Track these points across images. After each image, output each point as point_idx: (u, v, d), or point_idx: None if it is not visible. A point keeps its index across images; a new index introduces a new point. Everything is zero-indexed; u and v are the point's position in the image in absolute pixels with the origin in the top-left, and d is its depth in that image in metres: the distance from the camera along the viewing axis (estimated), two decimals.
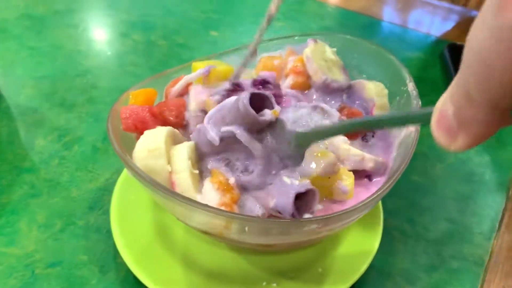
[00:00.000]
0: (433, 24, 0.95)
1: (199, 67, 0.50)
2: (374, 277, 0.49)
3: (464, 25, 0.95)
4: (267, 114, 0.39)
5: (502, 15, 0.17)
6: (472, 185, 0.60)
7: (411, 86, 0.46)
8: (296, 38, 0.55)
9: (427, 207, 0.56)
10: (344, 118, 0.46)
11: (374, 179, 0.44)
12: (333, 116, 0.43)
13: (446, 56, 0.79)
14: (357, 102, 0.49)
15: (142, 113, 0.43)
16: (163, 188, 0.37)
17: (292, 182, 0.38)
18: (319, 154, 0.39)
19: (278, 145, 0.39)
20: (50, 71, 0.75)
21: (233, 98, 0.41)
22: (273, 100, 0.40)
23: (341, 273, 0.46)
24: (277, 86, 0.48)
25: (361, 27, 0.91)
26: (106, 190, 0.56)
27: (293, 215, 0.37)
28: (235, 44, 0.84)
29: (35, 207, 0.54)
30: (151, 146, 0.40)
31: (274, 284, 0.46)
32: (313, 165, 0.39)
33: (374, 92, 0.48)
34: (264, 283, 0.46)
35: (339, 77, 0.50)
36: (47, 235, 0.51)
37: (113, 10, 0.93)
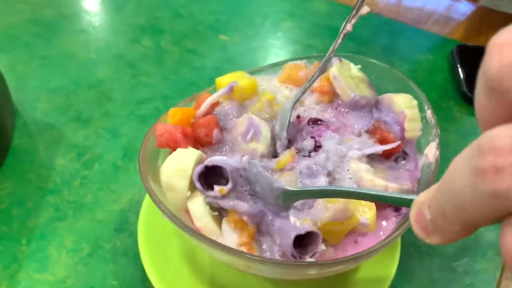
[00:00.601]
0: (440, 21, 0.95)
1: (223, 83, 0.51)
2: None
3: (472, 21, 0.96)
4: (215, 192, 0.41)
5: (481, 181, 0.18)
6: None
7: (429, 113, 0.47)
8: (313, 59, 0.56)
9: None
10: (376, 141, 0.47)
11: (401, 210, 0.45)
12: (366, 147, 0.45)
13: (455, 59, 0.79)
14: (391, 115, 0.49)
15: (175, 132, 0.45)
16: (194, 233, 0.39)
17: (294, 222, 0.40)
18: (330, 200, 0.41)
19: (263, 193, 0.40)
20: (63, 82, 0.76)
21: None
22: (228, 174, 0.41)
23: None
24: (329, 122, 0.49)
25: (369, 26, 0.91)
26: (130, 211, 0.58)
27: (293, 256, 0.39)
28: (246, 49, 0.85)
29: (62, 231, 0.56)
30: (181, 166, 0.42)
31: None
32: (323, 211, 0.40)
33: (403, 104, 0.49)
34: None
35: (367, 93, 0.51)
36: (77, 260, 0.53)
37: (119, 13, 0.93)
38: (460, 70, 0.77)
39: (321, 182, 0.43)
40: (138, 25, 0.89)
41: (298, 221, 0.40)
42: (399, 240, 0.52)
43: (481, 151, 0.18)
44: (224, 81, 0.51)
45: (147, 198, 0.55)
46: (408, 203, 0.28)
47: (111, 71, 0.79)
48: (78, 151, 0.65)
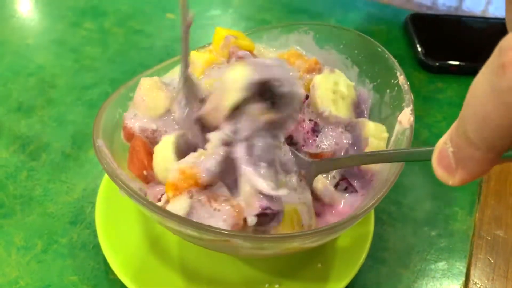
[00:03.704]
0: None
1: (222, 34, 0.49)
2: (370, 264, 0.49)
3: None
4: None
5: (502, 77, 0.19)
6: None
7: (402, 78, 0.45)
8: (279, 29, 0.53)
9: (410, 187, 0.57)
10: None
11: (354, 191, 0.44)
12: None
13: (409, 28, 0.79)
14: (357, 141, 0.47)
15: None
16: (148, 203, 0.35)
17: (273, 188, 0.37)
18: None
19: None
20: None
21: None
22: None
23: (341, 266, 0.46)
24: None
25: (320, 0, 0.90)
26: (85, 202, 0.53)
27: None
28: (195, 27, 0.80)
29: (10, 228, 0.50)
30: (167, 165, 0.40)
31: (277, 286, 0.45)
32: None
33: (371, 132, 0.46)
34: (266, 285, 0.45)
35: (342, 113, 0.47)
36: (29, 258, 0.48)
37: None
38: (415, 38, 0.76)
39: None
40: (77, 8, 0.83)
41: (274, 187, 0.37)
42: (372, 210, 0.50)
43: (501, 50, 0.19)
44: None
45: (103, 186, 0.51)
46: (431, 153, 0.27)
47: (52, 57, 0.73)
48: (22, 142, 0.59)
